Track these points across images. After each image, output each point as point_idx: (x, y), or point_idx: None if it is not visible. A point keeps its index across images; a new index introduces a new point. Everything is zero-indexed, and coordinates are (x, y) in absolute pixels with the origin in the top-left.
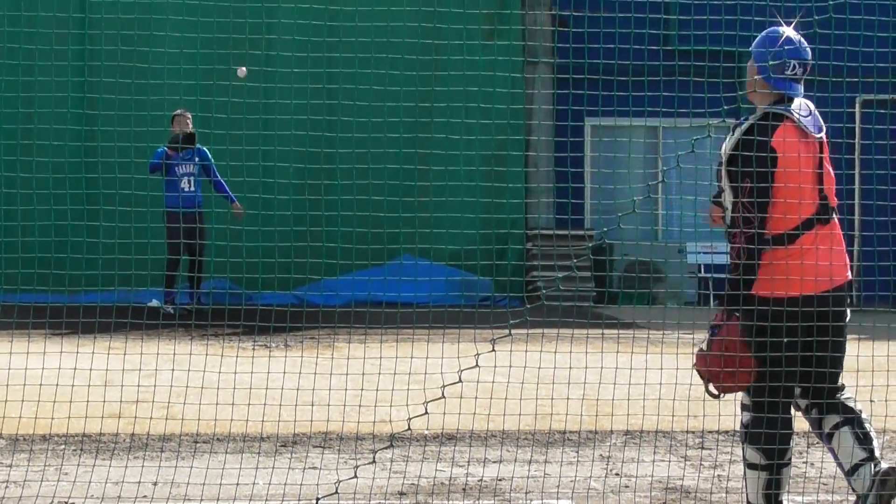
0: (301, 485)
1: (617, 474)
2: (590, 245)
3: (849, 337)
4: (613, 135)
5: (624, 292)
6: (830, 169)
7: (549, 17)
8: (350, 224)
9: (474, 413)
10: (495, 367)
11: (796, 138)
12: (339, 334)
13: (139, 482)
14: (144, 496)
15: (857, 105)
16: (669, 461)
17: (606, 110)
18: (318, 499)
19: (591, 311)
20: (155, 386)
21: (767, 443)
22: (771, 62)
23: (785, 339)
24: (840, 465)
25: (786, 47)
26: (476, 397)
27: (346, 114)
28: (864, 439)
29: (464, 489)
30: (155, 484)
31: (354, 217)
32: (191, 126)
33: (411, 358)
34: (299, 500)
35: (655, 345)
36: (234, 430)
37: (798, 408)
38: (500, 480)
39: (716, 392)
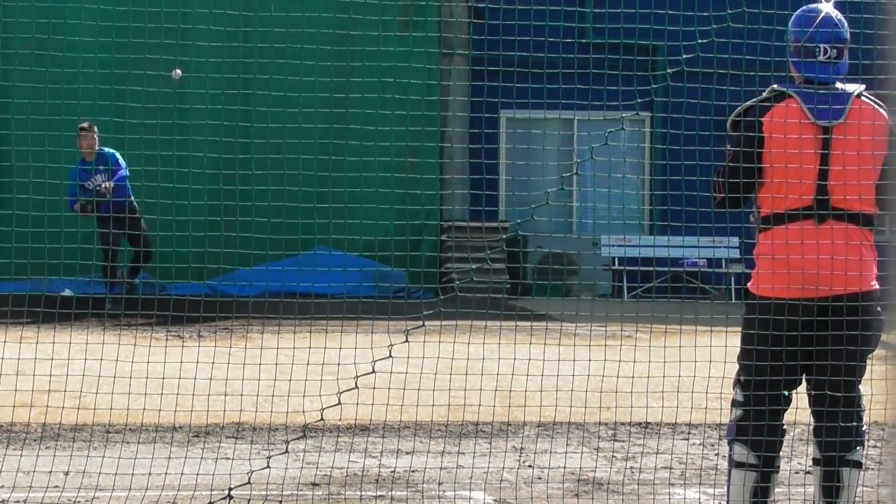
0: (214, 475)
1: (530, 466)
2: (504, 237)
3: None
4: (528, 127)
5: (538, 284)
6: (853, 166)
7: (465, 10)
8: (264, 214)
9: (387, 404)
10: (409, 358)
11: (797, 120)
12: (253, 325)
13: (50, 472)
14: (56, 486)
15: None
16: (582, 453)
17: (521, 103)
18: (230, 489)
19: (504, 303)
20: (67, 375)
21: (758, 441)
22: (793, 44)
23: (770, 347)
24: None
25: (809, 29)
26: (389, 388)
27: (261, 104)
28: (828, 486)
29: (377, 480)
30: (66, 474)
31: (269, 207)
32: (97, 142)
33: (325, 349)
34: (212, 490)
35: (569, 337)
36: (147, 420)
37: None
38: (413, 472)
39: None
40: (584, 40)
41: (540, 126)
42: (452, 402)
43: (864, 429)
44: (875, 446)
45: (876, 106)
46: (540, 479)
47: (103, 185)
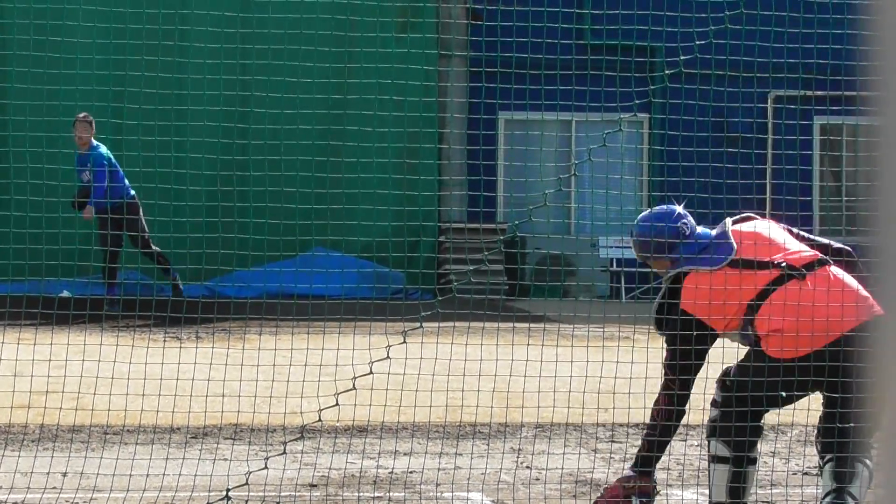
0: (212, 476)
1: (528, 467)
2: (502, 238)
3: None
4: (526, 128)
5: (536, 285)
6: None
7: (463, 11)
8: (262, 215)
9: (385, 405)
10: (406, 359)
11: (706, 279)
12: (251, 326)
13: (48, 473)
14: (54, 487)
15: (769, 101)
16: (580, 454)
17: (519, 104)
18: (228, 490)
19: (502, 304)
20: (65, 377)
21: (735, 435)
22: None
23: (782, 391)
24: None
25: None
26: (387, 389)
27: (260, 105)
28: (842, 471)
29: (374, 481)
30: (64, 475)
31: (267, 208)
32: (90, 134)
33: (322, 350)
34: (210, 491)
35: (567, 338)
36: (145, 422)
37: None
38: (410, 473)
39: None
40: (582, 42)
41: (538, 127)
42: (450, 404)
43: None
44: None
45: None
46: (538, 480)
47: (87, 210)
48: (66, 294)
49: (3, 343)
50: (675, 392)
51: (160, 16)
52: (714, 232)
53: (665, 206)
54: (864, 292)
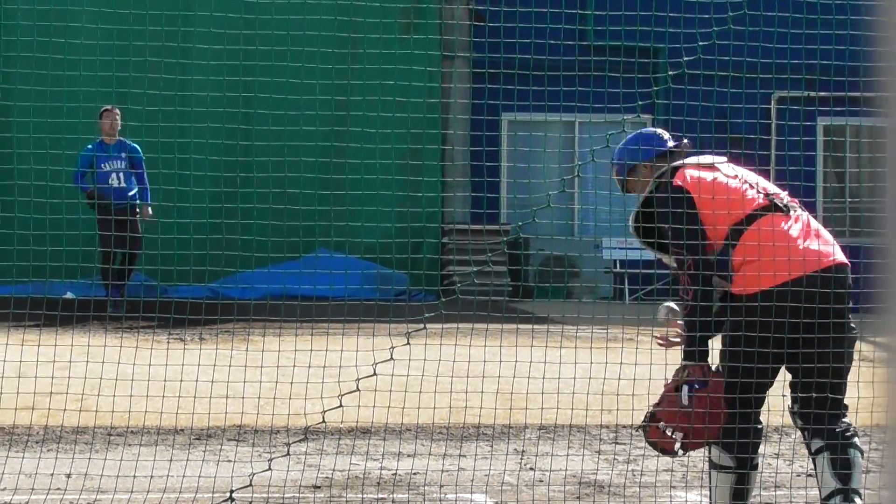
0: (215, 477)
1: (531, 468)
2: (505, 239)
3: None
4: (529, 130)
5: (539, 287)
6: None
7: (466, 12)
8: (266, 217)
9: (389, 407)
10: (410, 360)
11: (696, 171)
12: (254, 327)
13: (52, 474)
14: (58, 489)
15: (773, 102)
16: (584, 456)
17: (522, 105)
18: (232, 491)
19: (506, 306)
20: (69, 378)
21: (738, 448)
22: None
23: (757, 348)
24: (819, 489)
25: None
26: (391, 391)
27: (263, 106)
28: (840, 465)
29: (378, 483)
30: (68, 476)
31: (270, 210)
32: (118, 121)
33: (326, 351)
34: (213, 492)
35: (570, 339)
36: (149, 423)
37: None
38: (414, 474)
39: (682, 451)
40: (585, 43)
41: (541, 128)
42: (454, 405)
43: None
44: (876, 449)
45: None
46: (541, 481)
47: (144, 210)
48: (69, 295)
49: (7, 344)
50: (698, 288)
51: (163, 17)
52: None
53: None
54: (832, 240)
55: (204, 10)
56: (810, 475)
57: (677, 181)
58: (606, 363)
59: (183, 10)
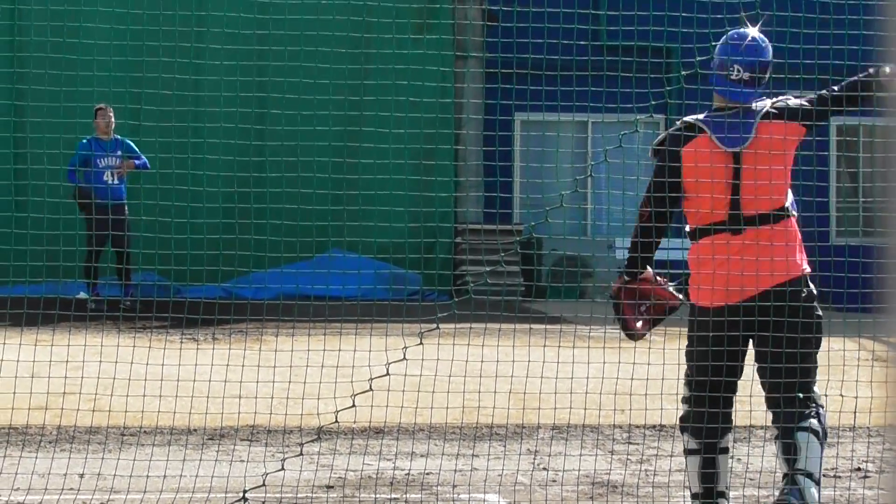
0: (228, 477)
1: (544, 468)
2: (518, 239)
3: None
4: (542, 130)
5: (552, 287)
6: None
7: (479, 12)
8: (279, 217)
9: (402, 407)
10: (423, 360)
11: (707, 150)
12: (268, 327)
13: (65, 474)
14: (71, 488)
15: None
16: (597, 455)
17: (535, 105)
18: (245, 491)
19: (518, 306)
20: (82, 378)
21: (701, 429)
22: (716, 68)
23: (711, 347)
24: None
25: (722, 56)
26: (404, 391)
27: (276, 106)
28: (786, 450)
29: (391, 483)
30: (81, 476)
31: (283, 210)
32: (112, 120)
33: (339, 351)
34: (226, 492)
35: (583, 339)
36: (162, 423)
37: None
38: (427, 474)
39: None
40: (597, 43)
41: (554, 128)
42: (467, 405)
43: (816, 402)
44: (883, 451)
45: (785, 119)
46: (554, 481)
47: (122, 163)
48: (82, 296)
49: (20, 344)
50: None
51: (177, 17)
52: None
53: None
54: (789, 255)
55: (217, 11)
56: (734, 471)
57: (686, 151)
58: (619, 363)
59: (196, 10)
